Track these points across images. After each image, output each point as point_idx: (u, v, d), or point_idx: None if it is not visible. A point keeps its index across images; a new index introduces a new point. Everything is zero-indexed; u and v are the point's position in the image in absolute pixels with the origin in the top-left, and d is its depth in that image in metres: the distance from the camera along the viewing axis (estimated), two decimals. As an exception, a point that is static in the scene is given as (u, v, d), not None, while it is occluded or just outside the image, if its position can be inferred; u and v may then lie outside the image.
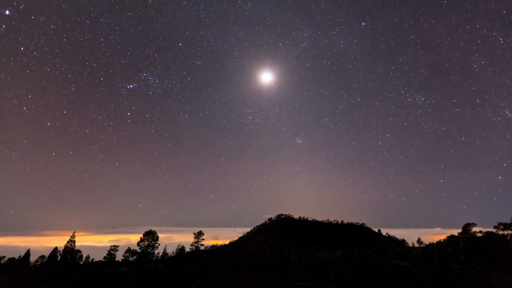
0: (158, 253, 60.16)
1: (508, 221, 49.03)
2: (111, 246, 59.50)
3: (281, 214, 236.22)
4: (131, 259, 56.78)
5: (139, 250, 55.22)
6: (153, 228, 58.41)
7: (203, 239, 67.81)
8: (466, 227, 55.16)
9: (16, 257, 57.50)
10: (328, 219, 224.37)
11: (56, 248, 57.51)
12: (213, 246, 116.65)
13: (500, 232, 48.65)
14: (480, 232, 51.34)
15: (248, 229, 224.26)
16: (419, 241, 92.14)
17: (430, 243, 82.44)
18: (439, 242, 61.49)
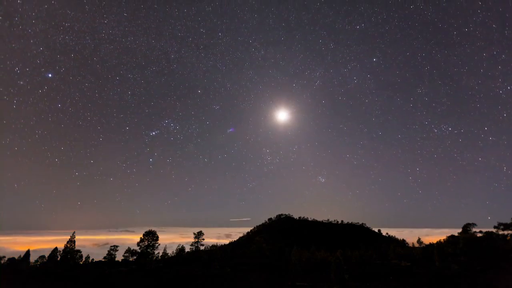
0: (158, 253, 60.09)
1: (508, 221, 48.92)
2: (111, 246, 59.41)
3: (281, 214, 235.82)
4: (131, 259, 56.71)
5: (139, 250, 55.16)
6: (153, 228, 58.40)
7: (203, 239, 67.69)
8: (466, 227, 54.98)
9: (16, 257, 57.51)
10: (328, 219, 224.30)
11: (56, 248, 57.46)
12: (213, 246, 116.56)
13: (500, 232, 48.50)
14: (480, 232, 51.20)
15: (248, 229, 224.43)
16: (419, 241, 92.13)
17: (430, 243, 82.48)
18: (439, 242, 61.47)
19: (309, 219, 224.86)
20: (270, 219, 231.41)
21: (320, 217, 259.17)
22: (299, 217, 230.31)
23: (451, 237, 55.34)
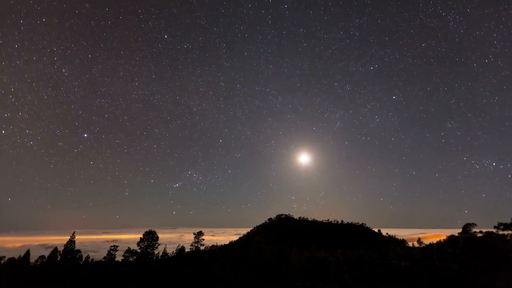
0: (158, 253, 60.07)
1: (508, 221, 48.93)
2: (111, 246, 59.39)
3: (281, 214, 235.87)
4: (131, 259, 56.69)
5: (139, 250, 55.15)
6: (153, 229, 58.39)
7: (203, 239, 67.71)
8: (466, 227, 54.98)
9: (16, 257, 57.47)
10: (328, 219, 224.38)
11: (56, 248, 57.46)
12: (213, 246, 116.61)
13: (500, 232, 48.51)
14: (480, 232, 51.21)
15: (248, 229, 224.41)
16: (419, 241, 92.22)
17: (430, 243, 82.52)
18: (439, 242, 61.44)
19: (309, 219, 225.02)
20: (270, 219, 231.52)
21: (320, 217, 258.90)
22: (299, 217, 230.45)
23: (451, 237, 55.26)
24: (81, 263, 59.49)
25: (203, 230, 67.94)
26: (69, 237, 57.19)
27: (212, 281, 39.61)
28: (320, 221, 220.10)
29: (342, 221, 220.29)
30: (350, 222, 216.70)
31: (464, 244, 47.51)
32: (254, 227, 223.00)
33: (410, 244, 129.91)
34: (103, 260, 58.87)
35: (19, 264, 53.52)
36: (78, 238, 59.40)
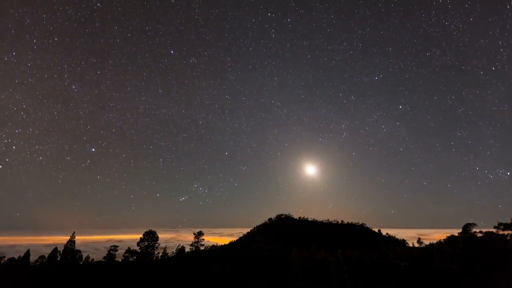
0: (158, 253, 60.06)
1: (508, 221, 48.92)
2: (111, 246, 59.37)
3: (281, 214, 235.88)
4: (131, 259, 56.68)
5: (139, 250, 55.13)
6: (153, 229, 58.36)
7: (203, 239, 67.68)
8: (466, 227, 54.97)
9: (16, 257, 57.51)
10: (328, 219, 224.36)
11: (56, 248, 57.47)
12: (213, 246, 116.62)
13: (500, 232, 48.51)
14: (480, 232, 51.20)
15: (248, 229, 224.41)
16: (419, 241, 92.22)
17: (430, 243, 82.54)
18: (439, 242, 61.46)
19: (309, 219, 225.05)
20: (270, 219, 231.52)
21: (320, 217, 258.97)
22: (299, 217, 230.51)
23: (451, 237, 55.26)
24: (81, 263, 59.49)
25: (203, 230, 67.91)
26: (69, 237, 57.20)
27: (212, 281, 39.62)
28: (320, 221, 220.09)
29: (342, 221, 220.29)
30: (350, 222, 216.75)
31: (464, 244, 47.50)
32: (254, 227, 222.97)
33: (410, 244, 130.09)
34: (103, 260, 58.87)
35: (19, 264, 53.54)
36: (78, 238, 59.39)
